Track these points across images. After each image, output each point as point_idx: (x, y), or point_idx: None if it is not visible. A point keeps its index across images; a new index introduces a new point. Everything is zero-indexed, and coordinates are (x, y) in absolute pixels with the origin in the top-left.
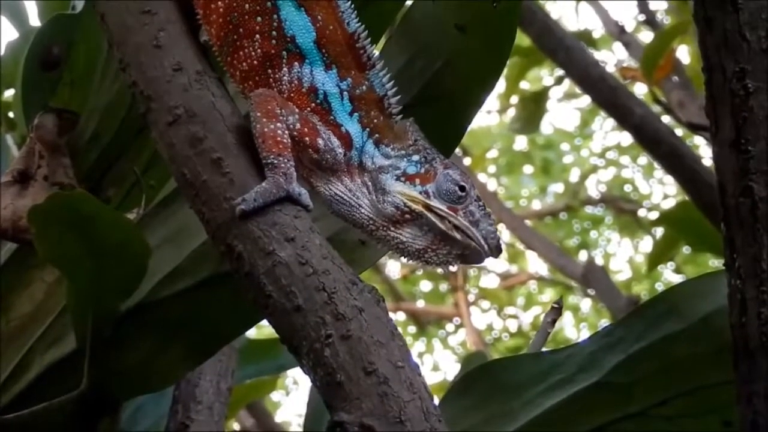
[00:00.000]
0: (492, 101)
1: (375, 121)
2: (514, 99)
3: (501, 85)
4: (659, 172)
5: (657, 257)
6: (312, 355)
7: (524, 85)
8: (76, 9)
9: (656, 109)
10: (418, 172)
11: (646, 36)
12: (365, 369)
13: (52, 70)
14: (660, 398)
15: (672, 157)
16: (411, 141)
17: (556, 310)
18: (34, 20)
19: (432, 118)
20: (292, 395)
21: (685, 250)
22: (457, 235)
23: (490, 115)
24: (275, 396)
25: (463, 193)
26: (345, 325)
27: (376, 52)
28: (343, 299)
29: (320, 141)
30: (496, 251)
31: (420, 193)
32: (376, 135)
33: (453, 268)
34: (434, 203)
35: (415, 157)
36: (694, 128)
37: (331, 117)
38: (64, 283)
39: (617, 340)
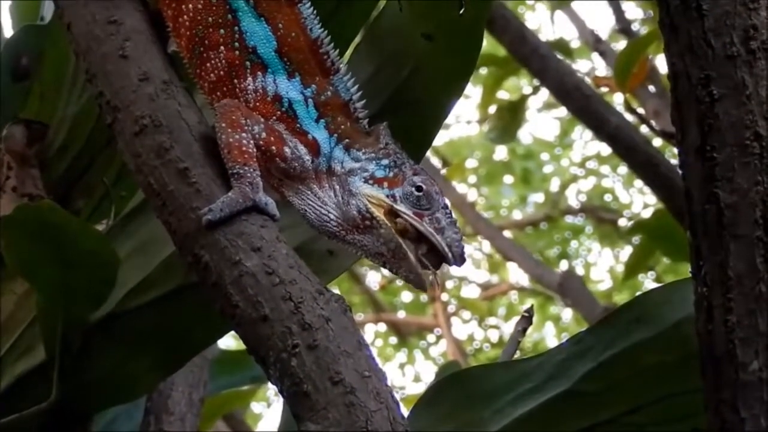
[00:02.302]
0: (471, 111)
1: (342, 126)
2: (492, 109)
3: (480, 95)
4: (639, 181)
5: (634, 266)
6: (279, 365)
7: (503, 94)
8: (44, 20)
9: (632, 118)
10: (387, 175)
11: (623, 45)
12: (332, 379)
13: (22, 80)
14: (630, 406)
15: (648, 166)
16: (382, 145)
17: (527, 319)
18: (8, 31)
19: (400, 126)
20: (274, 406)
21: (666, 259)
22: (409, 254)
23: (470, 125)
24: (257, 408)
25: (432, 198)
26: (312, 334)
27: (340, 58)
28: (310, 309)
29: (287, 149)
30: (459, 259)
31: (387, 196)
32: (346, 140)
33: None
34: (400, 207)
35: (385, 161)
36: (668, 137)
37: (297, 125)
38: (34, 295)
39: (587, 347)
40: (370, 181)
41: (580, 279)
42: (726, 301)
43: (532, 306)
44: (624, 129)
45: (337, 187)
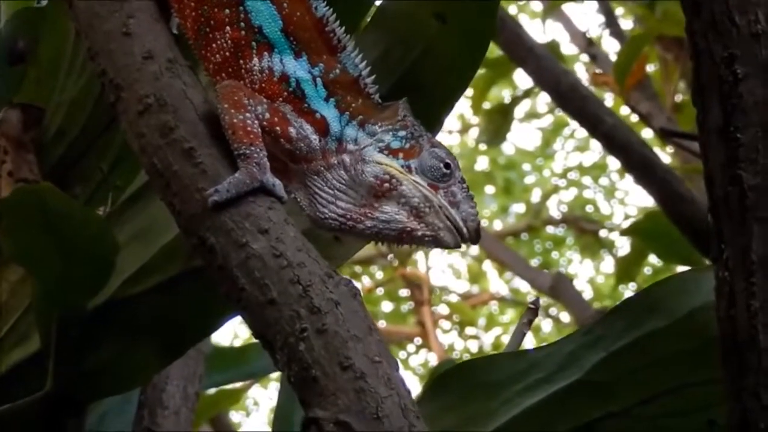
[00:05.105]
0: (453, 121)
1: (354, 104)
2: (475, 119)
3: (462, 105)
4: (621, 192)
5: (626, 270)
6: (286, 349)
7: (485, 105)
8: (41, 3)
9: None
10: (402, 146)
11: (610, 49)
12: (341, 364)
13: (18, 64)
14: (643, 397)
15: (643, 167)
16: (400, 117)
17: (533, 311)
18: None
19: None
20: (253, 416)
21: (647, 270)
22: (431, 212)
23: (452, 135)
24: (235, 417)
25: (448, 171)
26: (320, 318)
27: (347, 35)
28: (319, 292)
29: (291, 129)
30: (474, 234)
31: (402, 167)
32: (360, 117)
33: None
34: (415, 179)
35: (402, 133)
36: (666, 134)
37: (305, 104)
38: (29, 282)
39: (598, 337)
40: (385, 152)
41: (571, 282)
42: (748, 285)
43: (537, 298)
44: (620, 129)
45: (348, 161)
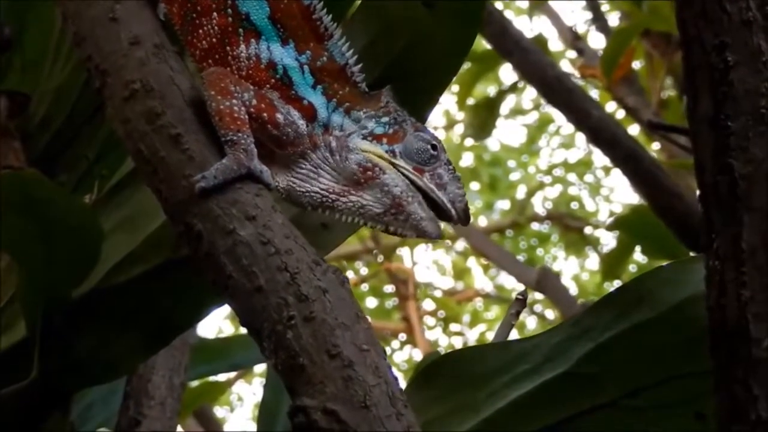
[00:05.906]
0: (439, 117)
1: (341, 91)
2: (461, 115)
3: (447, 101)
4: (606, 189)
5: (611, 266)
6: (273, 337)
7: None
8: None
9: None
10: (386, 132)
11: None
12: (329, 352)
13: (3, 51)
14: (631, 389)
15: (630, 160)
16: (383, 104)
17: (521, 302)
18: None
19: (396, 100)
20: (237, 411)
21: (632, 268)
22: (414, 202)
23: (437, 131)
24: (220, 412)
25: (434, 153)
26: (308, 306)
27: (334, 23)
28: (306, 280)
29: (279, 115)
30: (463, 215)
31: (386, 152)
32: (346, 104)
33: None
34: (399, 163)
35: (385, 119)
36: (654, 127)
37: (293, 91)
38: (14, 271)
39: (586, 328)
40: (369, 138)
41: (557, 277)
42: (739, 275)
43: (525, 289)
44: (606, 122)
45: (334, 145)
